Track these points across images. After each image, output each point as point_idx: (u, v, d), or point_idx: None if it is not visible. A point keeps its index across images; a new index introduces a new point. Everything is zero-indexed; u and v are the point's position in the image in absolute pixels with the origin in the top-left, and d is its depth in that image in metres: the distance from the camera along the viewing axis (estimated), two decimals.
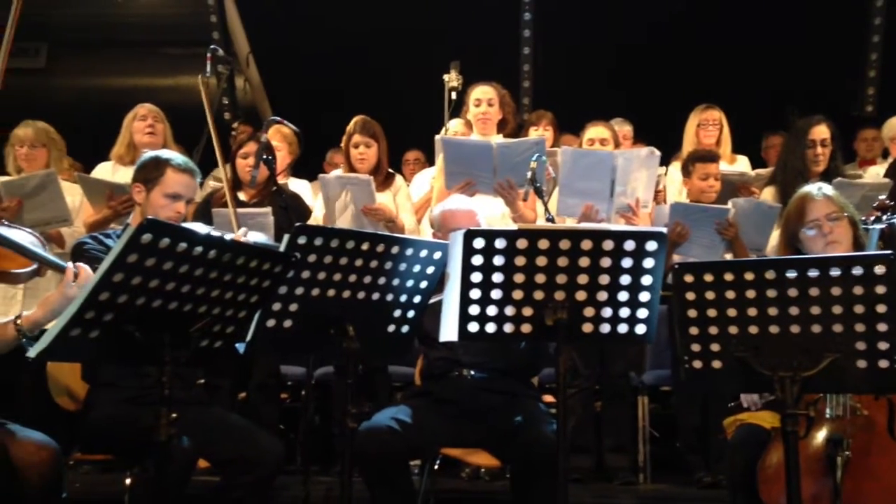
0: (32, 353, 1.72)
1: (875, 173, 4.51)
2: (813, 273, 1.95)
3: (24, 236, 2.05)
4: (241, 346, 2.09)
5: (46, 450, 1.89)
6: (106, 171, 4.20)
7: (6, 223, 2.35)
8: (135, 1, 6.55)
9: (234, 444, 2.59)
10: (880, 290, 1.91)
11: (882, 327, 1.93)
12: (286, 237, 2.04)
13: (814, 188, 2.63)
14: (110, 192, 3.78)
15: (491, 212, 4.04)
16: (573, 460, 3.67)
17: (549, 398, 3.39)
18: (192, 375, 2.83)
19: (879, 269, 1.91)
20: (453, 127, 4.50)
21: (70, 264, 1.98)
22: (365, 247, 2.17)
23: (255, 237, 2.78)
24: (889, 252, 1.97)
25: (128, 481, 2.63)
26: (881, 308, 1.92)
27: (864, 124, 5.46)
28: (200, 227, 2.80)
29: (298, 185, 4.41)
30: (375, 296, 2.25)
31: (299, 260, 2.04)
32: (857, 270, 1.93)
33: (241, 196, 3.96)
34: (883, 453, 2.26)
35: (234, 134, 5.07)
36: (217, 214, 3.72)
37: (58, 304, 1.91)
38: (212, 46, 4.18)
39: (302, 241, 2.06)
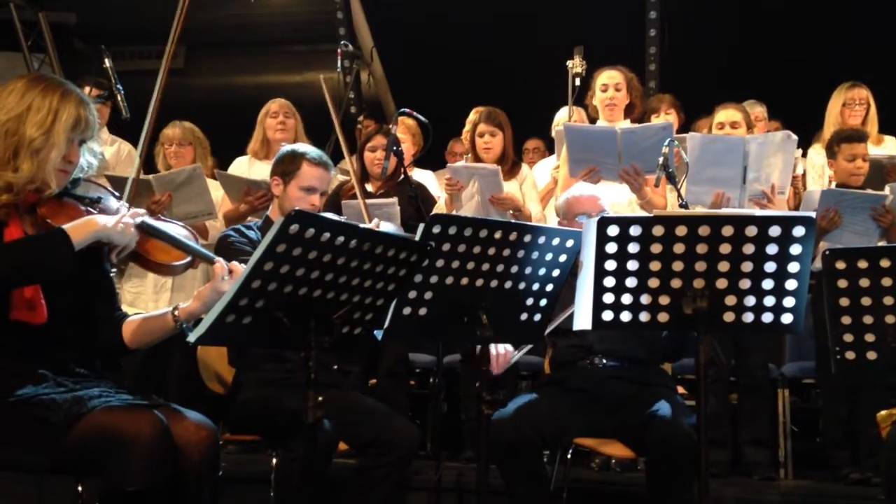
0: (192, 337, 1.81)
1: None
2: None
3: (178, 230, 2.16)
4: (378, 333, 2.15)
5: (206, 429, 1.99)
6: (242, 166, 4.39)
7: (162, 217, 2.50)
8: (265, 1, 6.79)
9: (372, 427, 2.66)
10: None
11: None
12: (421, 226, 2.07)
13: None
14: (247, 188, 3.95)
15: (617, 198, 3.97)
16: (710, 454, 3.56)
17: (680, 389, 3.29)
18: (329, 361, 2.92)
19: None
20: (560, 116, 4.44)
21: (220, 260, 2.08)
22: (498, 235, 2.17)
23: (386, 227, 2.84)
24: None
25: (273, 461, 2.74)
26: None
27: None
28: (335, 218, 2.89)
29: (422, 176, 4.47)
30: (508, 284, 2.25)
31: (434, 248, 2.06)
32: None
33: (368, 187, 4.05)
34: None
35: (359, 127, 5.19)
36: (346, 206, 3.82)
37: (210, 297, 2.01)
38: (342, 42, 4.28)
39: (437, 229, 2.08)
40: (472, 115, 4.14)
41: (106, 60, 4.20)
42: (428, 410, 4.29)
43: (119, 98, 4.20)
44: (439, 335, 2.59)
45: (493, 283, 2.23)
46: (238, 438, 3.04)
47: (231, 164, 4.44)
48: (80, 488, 2.10)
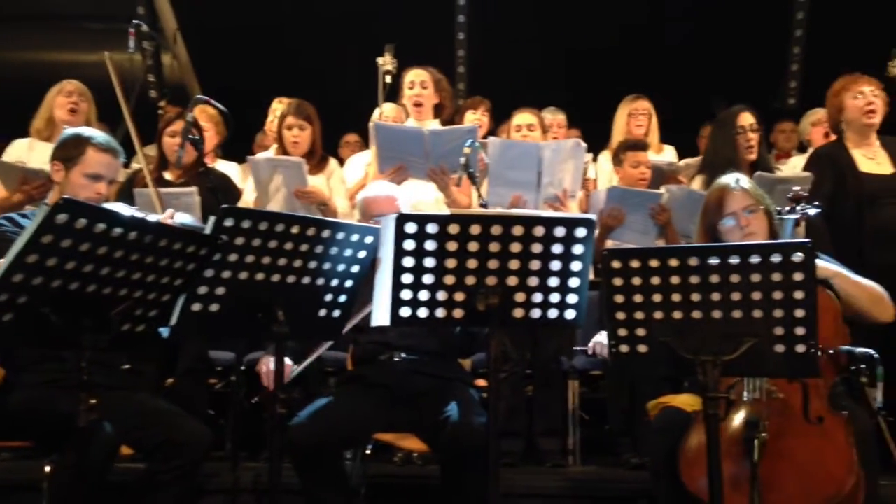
0: None
1: (793, 165, 4.66)
2: (734, 260, 2.00)
3: None
4: (165, 331, 2.04)
5: None
6: (22, 148, 4.05)
7: None
8: None
9: (159, 430, 2.54)
10: (798, 276, 1.98)
11: (799, 313, 1.99)
12: (212, 219, 1.99)
13: (731, 180, 2.66)
14: (23, 176, 3.63)
15: (424, 197, 4.04)
16: (504, 444, 3.70)
17: (480, 382, 3.40)
18: (115, 360, 2.76)
19: (797, 257, 1.97)
20: (387, 111, 4.47)
21: None
22: (295, 230, 2.14)
23: (182, 218, 2.72)
24: (807, 240, 2.03)
25: (47, 469, 2.55)
26: (798, 294, 1.98)
27: (782, 117, 5.64)
28: (124, 208, 2.72)
29: (227, 167, 4.32)
30: (306, 280, 2.22)
31: (226, 243, 1.99)
32: (776, 258, 1.98)
33: (168, 176, 3.85)
34: (797, 435, 2.33)
35: (160, 112, 4.93)
36: (139, 195, 3.61)
37: None
38: (134, 21, 4.04)
39: (229, 223, 2.01)
40: (280, 106, 4.05)
41: None
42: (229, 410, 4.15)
43: None
44: (233, 332, 2.51)
45: (290, 279, 2.20)
46: (8, 445, 2.79)
47: (9, 145, 4.07)
48: None
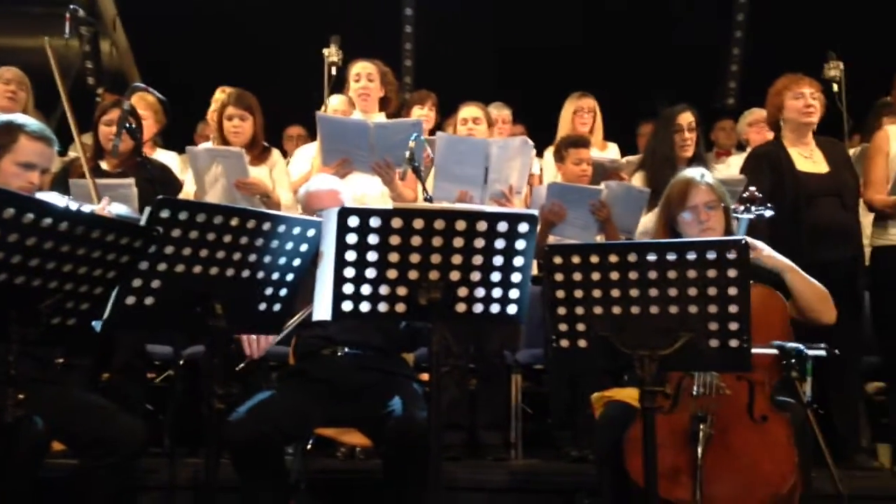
0: None
1: (731, 163, 4.77)
2: (671, 256, 2.03)
3: None
4: (97, 324, 1.99)
5: None
6: None
7: None
8: None
9: (92, 426, 2.47)
10: (732, 273, 2.02)
11: (733, 308, 2.04)
12: (147, 210, 1.94)
13: (697, 174, 2.70)
14: None
15: (370, 190, 4.01)
16: (447, 438, 3.71)
17: (424, 376, 3.40)
18: (48, 354, 2.68)
19: (731, 254, 2.01)
20: (334, 104, 4.42)
21: None
22: (234, 222, 2.09)
23: (118, 209, 2.65)
24: (740, 238, 2.08)
25: None
26: (732, 291, 2.03)
27: (722, 116, 5.76)
28: (57, 198, 2.64)
29: (167, 157, 4.22)
30: (245, 273, 2.18)
31: (161, 235, 1.94)
32: (711, 254, 2.02)
33: (104, 166, 3.75)
34: (742, 432, 2.38)
35: (98, 100, 4.80)
36: (74, 185, 3.51)
37: None
38: (71, 6, 3.93)
39: (165, 214, 1.96)
40: (220, 96, 3.97)
41: None
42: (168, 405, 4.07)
43: None
44: (169, 326, 2.46)
45: (230, 272, 2.15)
46: None
47: None
48: None
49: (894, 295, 3.81)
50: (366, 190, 4.01)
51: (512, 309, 2.17)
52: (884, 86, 4.01)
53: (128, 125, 3.22)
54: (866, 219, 4.01)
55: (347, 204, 2.96)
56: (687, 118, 3.94)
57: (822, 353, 2.35)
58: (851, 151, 4.41)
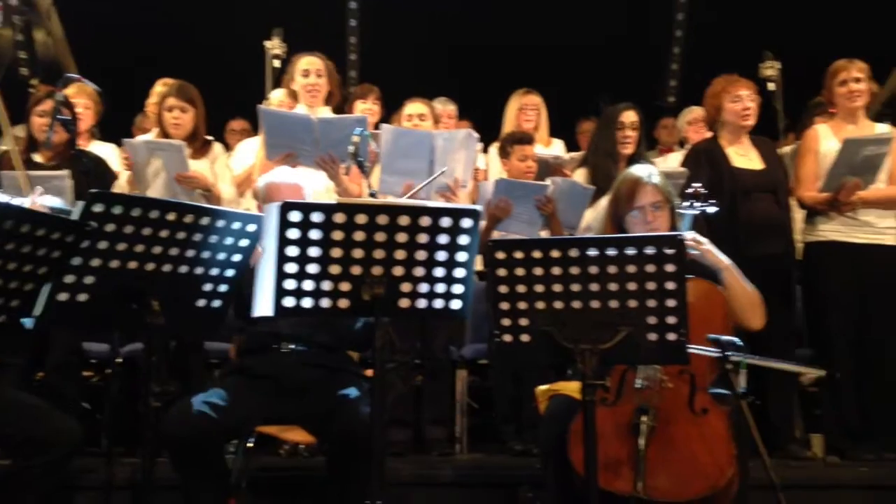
0: None
1: (673, 159, 4.85)
2: (611, 251, 2.06)
3: None
4: (28, 322, 1.93)
5: None
6: None
7: None
8: None
9: (24, 425, 2.42)
10: (670, 268, 2.06)
11: (671, 303, 2.07)
12: (80, 204, 1.89)
13: (645, 173, 2.71)
14: None
15: (315, 185, 3.97)
16: (393, 434, 3.71)
17: (369, 373, 3.38)
18: None
19: (669, 249, 2.05)
20: (277, 97, 4.36)
21: None
22: (171, 217, 2.05)
23: (50, 201, 2.57)
24: (676, 233, 2.11)
25: None
26: (670, 285, 2.07)
27: (665, 114, 5.87)
28: None
29: (103, 149, 4.11)
30: (183, 269, 2.14)
31: (95, 229, 1.89)
32: (650, 250, 2.06)
33: (38, 158, 3.64)
34: (683, 425, 2.42)
35: (32, 91, 4.65)
36: (5, 177, 3.40)
37: None
38: None
39: (98, 208, 1.91)
40: (160, 88, 3.88)
41: None
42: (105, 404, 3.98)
43: None
44: (105, 323, 2.39)
45: (167, 268, 2.11)
46: None
47: None
48: None
49: (824, 288, 3.93)
50: (311, 185, 3.96)
51: (456, 304, 2.18)
52: (819, 85, 4.12)
53: (61, 116, 3.12)
54: (798, 214, 4.13)
55: (310, 199, 2.91)
56: (630, 116, 3.99)
57: (822, 373, 2.37)
58: (785, 150, 4.53)
